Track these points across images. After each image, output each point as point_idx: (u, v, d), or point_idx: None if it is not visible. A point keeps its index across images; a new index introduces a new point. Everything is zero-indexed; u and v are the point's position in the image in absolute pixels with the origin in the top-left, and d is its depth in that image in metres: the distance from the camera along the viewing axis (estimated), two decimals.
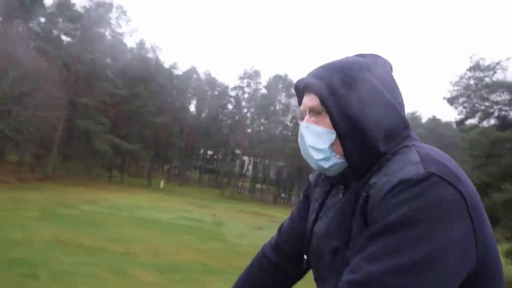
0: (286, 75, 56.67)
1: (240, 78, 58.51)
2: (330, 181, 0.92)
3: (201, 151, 71.93)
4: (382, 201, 0.68)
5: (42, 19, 42.72)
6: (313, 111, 0.84)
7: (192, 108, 63.17)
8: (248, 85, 58.18)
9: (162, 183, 49.42)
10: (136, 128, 40.66)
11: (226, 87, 63.25)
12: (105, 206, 23.70)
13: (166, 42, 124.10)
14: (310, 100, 0.84)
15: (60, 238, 12.54)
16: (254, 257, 1.16)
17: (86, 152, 35.61)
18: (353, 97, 0.79)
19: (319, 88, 0.81)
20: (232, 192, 54.36)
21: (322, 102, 0.81)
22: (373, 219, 0.69)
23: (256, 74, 57.37)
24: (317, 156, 0.83)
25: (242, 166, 65.97)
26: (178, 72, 60.02)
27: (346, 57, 0.88)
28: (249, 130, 59.20)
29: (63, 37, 41.22)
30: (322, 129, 0.82)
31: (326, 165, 0.83)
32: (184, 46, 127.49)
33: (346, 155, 0.81)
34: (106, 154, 35.96)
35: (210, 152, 73.13)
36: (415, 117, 59.49)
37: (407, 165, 0.70)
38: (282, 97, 56.75)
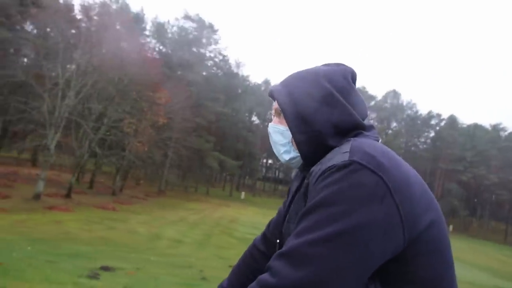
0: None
1: None
2: (302, 172, 1.02)
3: (262, 160, 73.43)
4: (314, 186, 0.77)
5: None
6: (277, 113, 0.99)
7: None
8: None
9: (243, 194, 51.23)
10: (230, 143, 42.34)
11: None
12: (245, 225, 25.17)
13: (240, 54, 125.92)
14: (275, 104, 0.99)
15: None
16: (246, 249, 1.27)
17: (194, 168, 37.50)
18: (308, 100, 0.91)
19: (278, 94, 0.96)
20: None
21: (279, 104, 0.95)
22: (308, 201, 0.78)
23: None
24: (280, 149, 0.97)
25: None
26: (250, 83, 62.02)
27: (313, 67, 0.99)
28: None
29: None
30: (282, 128, 0.96)
31: (287, 157, 0.97)
32: (259, 57, 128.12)
33: (298, 148, 0.93)
34: (213, 170, 37.74)
35: (270, 161, 74.51)
36: (498, 129, 57.78)
37: (337, 154, 0.79)
38: None
